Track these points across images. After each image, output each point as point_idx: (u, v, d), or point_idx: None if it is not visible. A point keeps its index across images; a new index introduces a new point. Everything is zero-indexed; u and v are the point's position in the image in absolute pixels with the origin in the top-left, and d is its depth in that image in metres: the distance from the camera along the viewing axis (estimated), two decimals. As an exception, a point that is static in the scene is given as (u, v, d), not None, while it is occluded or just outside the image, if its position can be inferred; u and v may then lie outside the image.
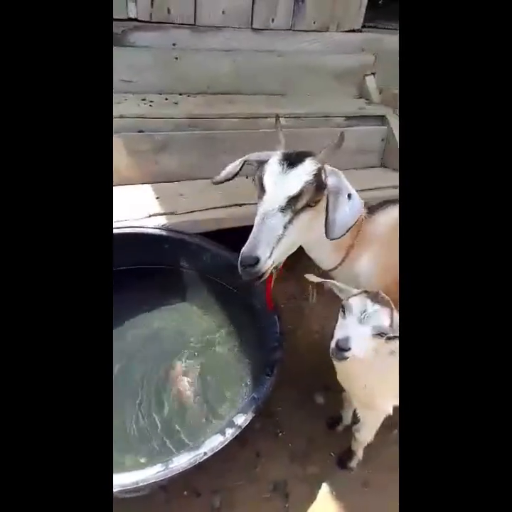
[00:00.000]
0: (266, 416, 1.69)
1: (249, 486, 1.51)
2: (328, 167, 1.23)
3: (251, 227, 1.22)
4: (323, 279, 1.24)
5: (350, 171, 2.65)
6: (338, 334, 1.06)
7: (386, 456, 1.61)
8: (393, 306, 1.10)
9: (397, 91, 2.72)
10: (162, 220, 1.95)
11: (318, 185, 1.18)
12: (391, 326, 1.07)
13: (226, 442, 1.17)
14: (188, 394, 1.55)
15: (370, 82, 2.81)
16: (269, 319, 1.53)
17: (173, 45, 2.36)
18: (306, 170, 1.18)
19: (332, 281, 1.23)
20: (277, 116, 1.36)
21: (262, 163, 1.24)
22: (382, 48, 2.79)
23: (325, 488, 1.51)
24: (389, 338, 1.06)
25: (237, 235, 1.82)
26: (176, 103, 2.34)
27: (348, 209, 1.21)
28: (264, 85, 2.60)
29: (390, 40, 2.82)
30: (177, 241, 1.81)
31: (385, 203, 1.43)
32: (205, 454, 1.14)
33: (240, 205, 2.14)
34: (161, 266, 1.85)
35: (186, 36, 2.37)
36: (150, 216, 1.92)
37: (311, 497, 1.49)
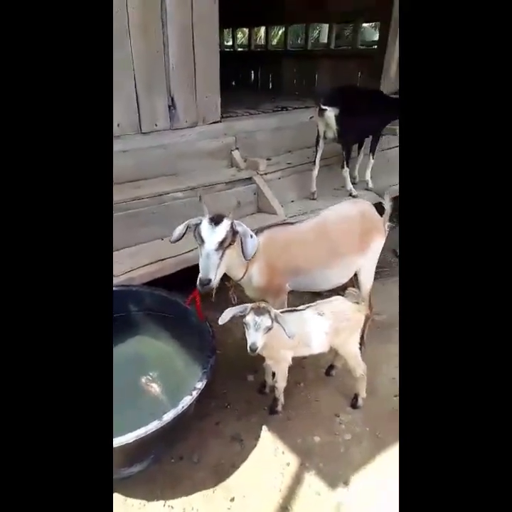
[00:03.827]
0: (217, 398, 2.42)
1: (214, 441, 2.19)
2: (235, 221, 2.03)
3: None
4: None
5: (239, 220, 3.58)
6: (248, 342, 1.86)
7: (297, 402, 2.44)
8: (269, 309, 1.91)
9: (255, 158, 3.78)
10: (107, 282, 2.63)
11: (233, 232, 1.98)
12: (272, 320, 1.88)
13: (194, 398, 1.86)
14: (156, 393, 2.21)
15: (236, 155, 3.84)
16: (203, 327, 2.27)
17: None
18: (224, 225, 1.96)
19: (233, 308, 1.95)
20: (200, 197, 2.14)
21: (197, 225, 1.99)
22: (237, 130, 3.87)
23: (264, 428, 2.25)
24: (270, 329, 1.87)
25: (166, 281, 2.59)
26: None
27: (252, 243, 2.04)
28: (159, 171, 3.47)
29: (241, 125, 3.94)
30: (124, 292, 2.49)
31: (259, 230, 2.30)
32: (183, 407, 1.82)
33: (163, 259, 2.92)
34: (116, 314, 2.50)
35: (93, 146, 3.14)
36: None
37: (257, 436, 2.22)
